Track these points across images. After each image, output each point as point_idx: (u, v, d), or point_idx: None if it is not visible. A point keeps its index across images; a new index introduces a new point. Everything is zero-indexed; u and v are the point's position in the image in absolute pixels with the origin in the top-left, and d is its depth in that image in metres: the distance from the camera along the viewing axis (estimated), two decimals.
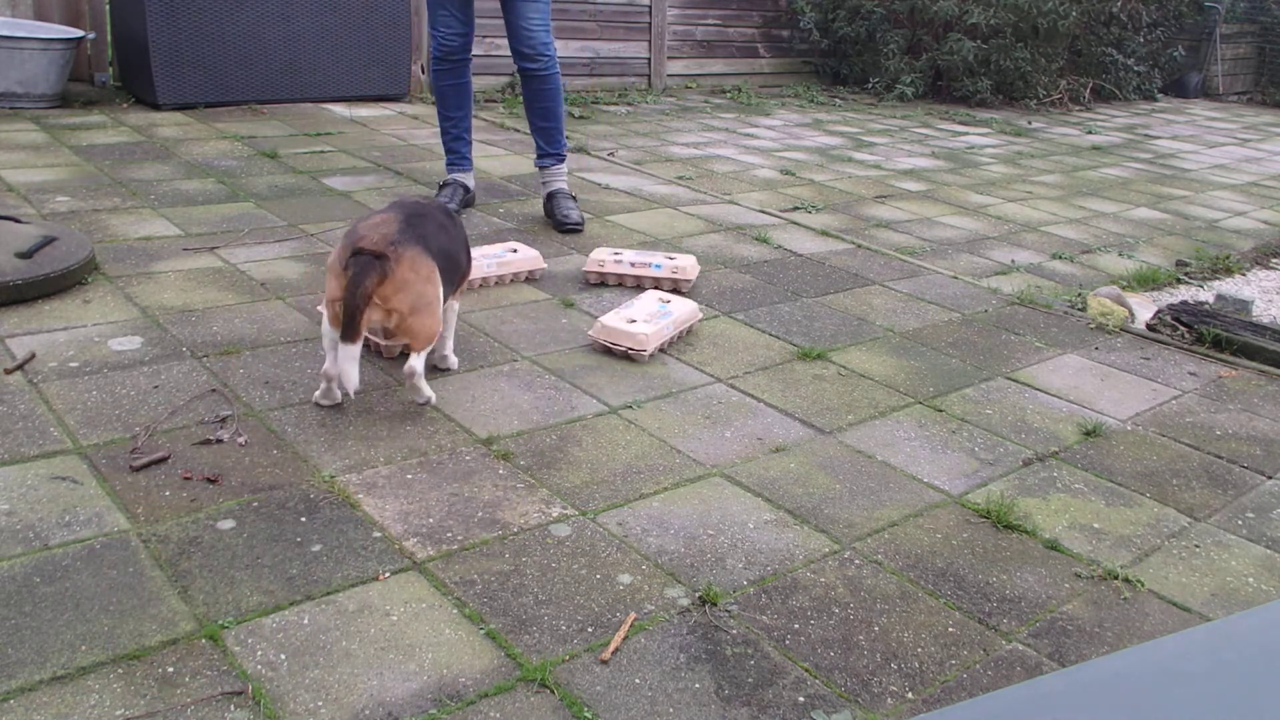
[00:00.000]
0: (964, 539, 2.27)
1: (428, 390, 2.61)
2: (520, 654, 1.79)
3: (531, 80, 4.29)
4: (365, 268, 2.35)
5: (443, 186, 4.40)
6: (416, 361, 2.52)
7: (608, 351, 3.05)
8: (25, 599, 1.81)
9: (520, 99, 7.36)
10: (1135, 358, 3.41)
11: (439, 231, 2.60)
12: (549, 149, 4.42)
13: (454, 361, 2.87)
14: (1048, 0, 8.95)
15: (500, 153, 5.58)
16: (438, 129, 4.47)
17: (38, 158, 4.64)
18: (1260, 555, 2.30)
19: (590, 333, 3.10)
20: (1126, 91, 10.62)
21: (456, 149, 4.41)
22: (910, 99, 9.16)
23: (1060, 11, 9.06)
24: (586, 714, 1.67)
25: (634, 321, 3.05)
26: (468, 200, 4.39)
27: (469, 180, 4.43)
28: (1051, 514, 2.40)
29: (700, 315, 3.31)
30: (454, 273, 2.68)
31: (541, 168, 4.44)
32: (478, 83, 7.30)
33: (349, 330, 2.35)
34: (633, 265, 3.62)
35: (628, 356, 3.01)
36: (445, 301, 2.62)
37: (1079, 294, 4.07)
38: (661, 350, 3.10)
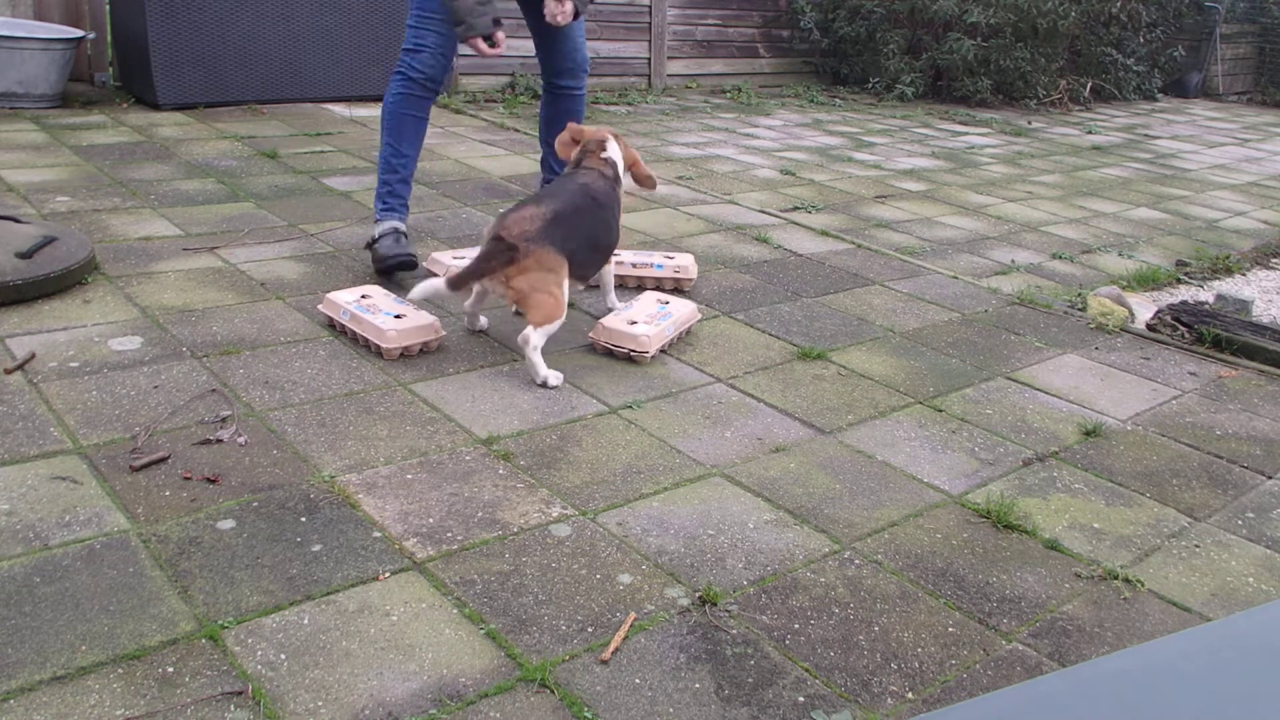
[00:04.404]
0: (964, 539, 2.27)
1: (543, 370, 2.84)
2: (520, 654, 1.79)
3: (567, 100, 3.95)
4: (495, 253, 2.82)
5: (378, 240, 3.54)
6: (531, 333, 2.83)
7: (609, 353, 3.05)
8: (25, 599, 1.81)
9: (519, 99, 7.36)
10: (1135, 358, 3.41)
11: (582, 224, 2.97)
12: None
13: (615, 303, 3.32)
14: (1047, 0, 8.95)
15: (500, 153, 5.58)
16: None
17: (38, 158, 4.64)
18: (1260, 555, 2.30)
19: (591, 334, 3.09)
20: (1126, 91, 10.62)
21: (401, 193, 3.65)
22: (910, 99, 9.16)
23: (1060, 11, 9.06)
24: (586, 714, 1.67)
25: (635, 323, 3.05)
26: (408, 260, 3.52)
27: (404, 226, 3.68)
28: (1051, 514, 2.40)
29: (699, 316, 3.31)
30: (596, 253, 3.08)
31: None
32: (477, 82, 7.32)
33: (456, 281, 2.83)
34: (634, 265, 3.62)
35: (630, 358, 3.01)
36: (596, 272, 3.16)
37: (1079, 294, 4.07)
38: (662, 350, 3.10)
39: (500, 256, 2.80)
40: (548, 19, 3.67)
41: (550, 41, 3.87)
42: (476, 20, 3.37)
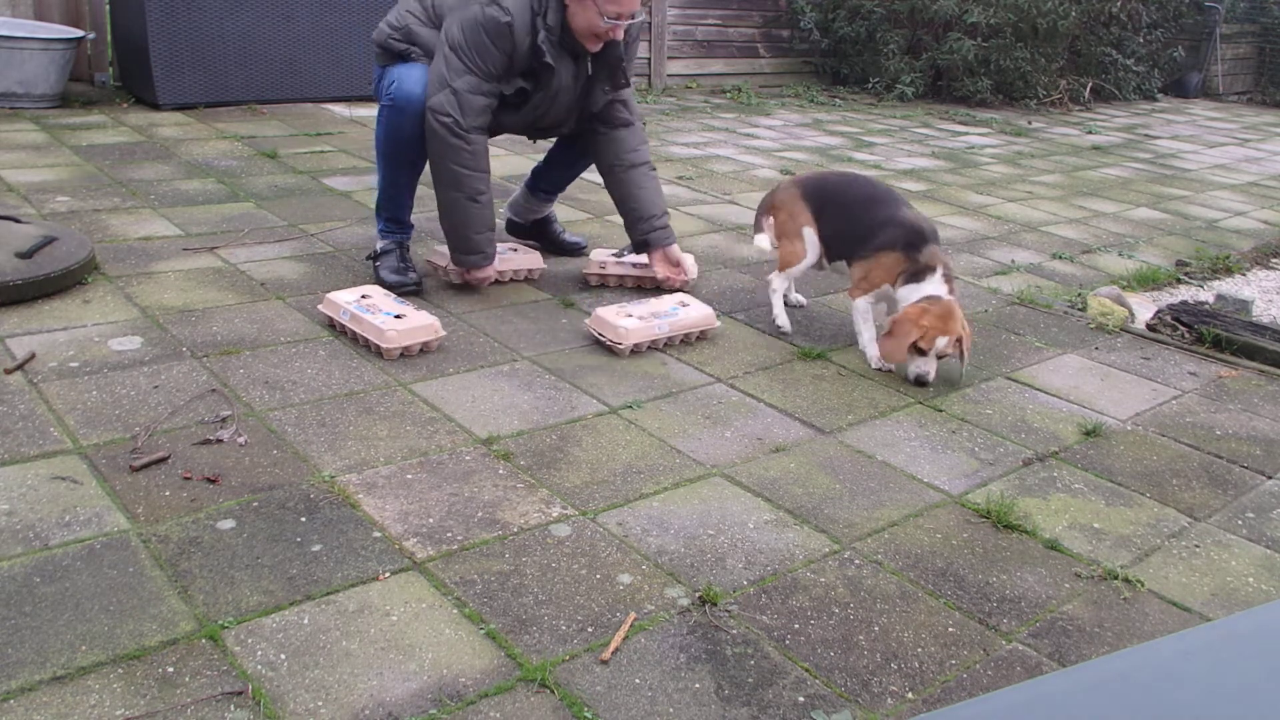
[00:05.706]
0: (964, 539, 2.27)
1: (776, 312, 3.33)
2: (520, 654, 1.79)
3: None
4: (772, 190, 3.42)
5: (380, 256, 3.45)
6: (772, 276, 3.37)
7: (596, 341, 3.08)
8: (25, 599, 1.81)
9: None
10: (1135, 358, 3.41)
11: (840, 198, 3.24)
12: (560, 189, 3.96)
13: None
14: (1047, 0, 8.95)
15: (501, 152, 5.58)
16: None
17: (38, 158, 4.64)
18: (1260, 555, 2.30)
19: (586, 321, 3.15)
20: (1126, 91, 10.62)
21: (402, 218, 3.50)
22: (910, 99, 9.16)
23: (1060, 11, 9.06)
24: (586, 714, 1.67)
25: (630, 316, 3.07)
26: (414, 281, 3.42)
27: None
28: (1051, 514, 2.40)
29: (717, 323, 3.25)
30: (838, 239, 3.23)
31: (547, 201, 3.93)
32: None
33: (757, 220, 3.43)
34: (634, 265, 3.62)
35: (610, 348, 3.04)
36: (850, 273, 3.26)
37: (1079, 294, 4.07)
38: (660, 350, 3.10)
39: (772, 192, 3.35)
40: (665, 281, 3.57)
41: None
42: (478, 257, 3.37)
